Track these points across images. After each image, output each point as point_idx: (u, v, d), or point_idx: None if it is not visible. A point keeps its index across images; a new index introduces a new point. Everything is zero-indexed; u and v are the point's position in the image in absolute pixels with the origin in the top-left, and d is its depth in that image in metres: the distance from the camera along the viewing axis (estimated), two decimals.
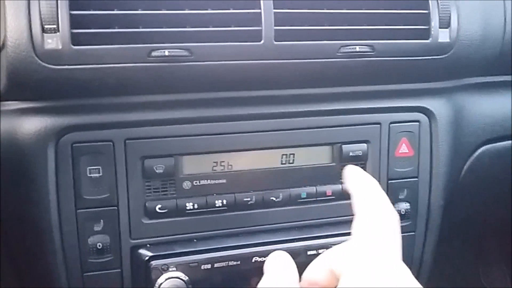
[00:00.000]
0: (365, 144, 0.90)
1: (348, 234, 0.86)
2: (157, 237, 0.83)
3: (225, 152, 0.84)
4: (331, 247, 0.85)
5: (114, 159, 0.79)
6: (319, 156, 0.89)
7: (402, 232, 0.56)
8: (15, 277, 1.02)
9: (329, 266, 0.56)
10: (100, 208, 0.79)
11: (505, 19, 0.94)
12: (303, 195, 0.88)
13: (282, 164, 0.87)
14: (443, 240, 1.01)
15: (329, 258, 0.56)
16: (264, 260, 0.59)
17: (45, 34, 0.70)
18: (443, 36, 0.86)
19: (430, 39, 0.85)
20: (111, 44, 0.72)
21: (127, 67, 0.73)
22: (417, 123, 0.93)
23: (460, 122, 0.97)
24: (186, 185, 0.83)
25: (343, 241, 0.80)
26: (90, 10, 0.72)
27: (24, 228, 0.81)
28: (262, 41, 0.77)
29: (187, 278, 0.79)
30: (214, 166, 0.84)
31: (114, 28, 0.72)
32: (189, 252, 0.81)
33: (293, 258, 0.58)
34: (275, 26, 0.77)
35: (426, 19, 0.85)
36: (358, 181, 0.62)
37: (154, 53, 0.73)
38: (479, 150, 1.03)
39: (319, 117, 0.87)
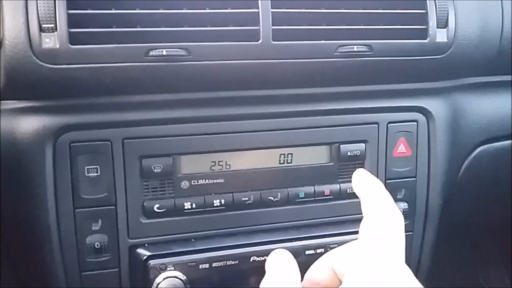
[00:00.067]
0: (363, 144, 0.90)
1: (347, 233, 0.87)
2: (155, 236, 0.83)
3: (223, 152, 0.84)
4: (329, 246, 0.86)
5: (112, 159, 0.79)
6: (317, 156, 0.89)
7: None
8: (14, 277, 1.02)
9: (331, 266, 0.56)
10: (98, 207, 0.79)
11: (502, 19, 0.94)
12: (301, 195, 0.88)
13: (280, 163, 0.87)
14: (442, 240, 1.01)
15: (332, 258, 0.56)
16: (262, 260, 0.58)
17: (42, 33, 0.70)
18: (441, 36, 0.86)
19: (428, 39, 0.85)
20: (109, 44, 0.72)
21: (125, 66, 0.73)
22: (415, 123, 0.93)
23: (458, 122, 0.97)
24: (184, 184, 0.83)
25: (341, 240, 0.80)
26: (88, 10, 0.72)
27: (22, 227, 0.81)
28: (260, 41, 0.77)
29: (185, 277, 0.79)
30: (212, 165, 0.84)
31: (112, 28, 0.73)
32: (187, 252, 0.81)
33: None
34: (273, 25, 0.77)
35: (423, 19, 0.85)
36: (365, 184, 0.61)
37: (152, 53, 0.73)
38: (477, 150, 1.03)
39: (317, 117, 0.87)
